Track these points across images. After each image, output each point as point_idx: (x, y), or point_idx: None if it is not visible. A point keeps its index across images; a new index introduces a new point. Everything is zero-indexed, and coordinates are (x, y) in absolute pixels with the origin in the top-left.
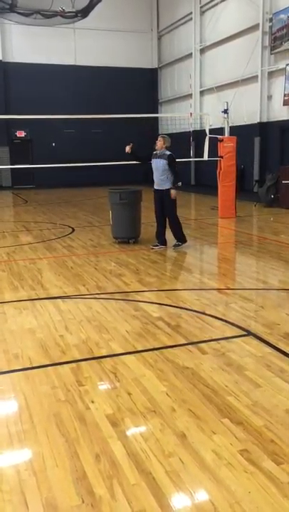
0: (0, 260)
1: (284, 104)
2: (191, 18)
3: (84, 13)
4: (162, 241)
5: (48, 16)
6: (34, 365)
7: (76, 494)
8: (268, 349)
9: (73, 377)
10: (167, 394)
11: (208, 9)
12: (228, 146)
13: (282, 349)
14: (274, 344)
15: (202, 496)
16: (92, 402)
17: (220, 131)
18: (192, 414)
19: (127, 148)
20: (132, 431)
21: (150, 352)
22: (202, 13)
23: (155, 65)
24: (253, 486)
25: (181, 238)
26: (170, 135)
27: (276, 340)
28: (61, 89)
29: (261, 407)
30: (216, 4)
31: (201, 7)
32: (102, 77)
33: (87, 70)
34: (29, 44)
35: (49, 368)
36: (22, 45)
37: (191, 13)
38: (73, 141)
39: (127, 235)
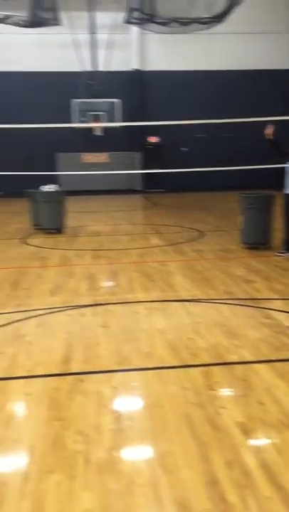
0: (132, 261)
1: None
2: None
3: (220, 18)
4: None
5: (185, 23)
6: (165, 365)
7: (207, 498)
8: None
9: (203, 380)
10: None
11: None
12: None
13: None
14: None
15: None
16: (223, 408)
17: None
18: None
19: (268, 130)
20: (265, 442)
21: (283, 362)
22: None
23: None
24: None
25: None
26: None
27: None
28: (193, 95)
29: None
30: None
31: None
32: (233, 81)
33: (218, 74)
34: (163, 52)
35: (179, 369)
36: (157, 53)
37: None
38: (204, 146)
39: (258, 241)
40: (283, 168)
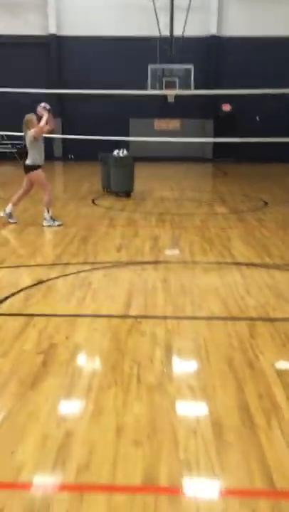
0: (195, 226)
1: None
2: None
3: None
4: None
5: None
6: (215, 315)
7: (239, 418)
8: None
9: (248, 331)
10: None
11: None
12: None
13: None
14: None
15: None
16: (262, 353)
17: None
18: None
19: None
20: None
21: None
22: None
23: None
24: None
25: None
26: None
27: None
28: (270, 62)
29: None
30: None
31: None
32: None
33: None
34: (241, 17)
35: (228, 321)
36: (235, 19)
37: None
38: (277, 116)
39: None
40: None
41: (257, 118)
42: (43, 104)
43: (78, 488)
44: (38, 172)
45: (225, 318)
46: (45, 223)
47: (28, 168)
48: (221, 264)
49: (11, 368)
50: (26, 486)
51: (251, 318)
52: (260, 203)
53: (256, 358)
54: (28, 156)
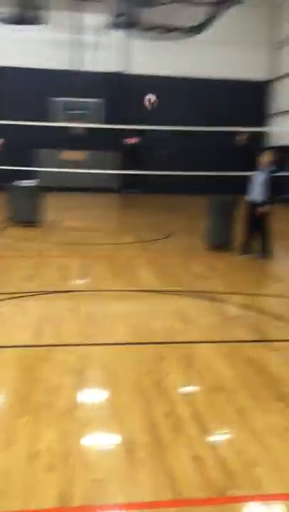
0: (103, 255)
1: None
2: None
3: (198, 30)
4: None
5: (167, 31)
6: (124, 341)
7: (148, 437)
8: None
9: (155, 355)
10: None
11: None
12: None
13: None
14: None
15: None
16: (169, 374)
17: None
18: (250, 395)
19: (240, 137)
20: (198, 398)
21: (224, 343)
22: None
23: (267, 77)
24: None
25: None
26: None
27: None
28: (172, 101)
29: None
30: None
31: None
32: (213, 89)
33: (198, 82)
34: (147, 56)
35: (136, 346)
36: (141, 57)
37: None
38: (181, 150)
39: (220, 243)
40: (250, 176)
41: (160, 152)
42: None
43: None
44: None
45: (133, 344)
46: None
47: None
48: (129, 292)
49: None
50: None
51: (158, 342)
52: (164, 232)
53: (162, 379)
54: None
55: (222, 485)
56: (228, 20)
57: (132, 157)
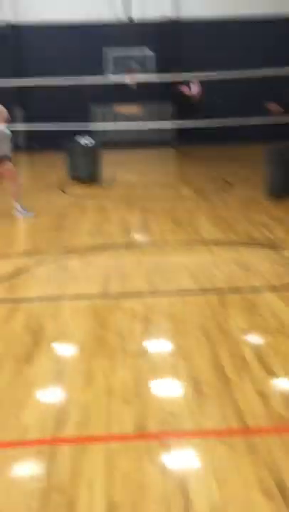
0: (162, 208)
1: None
2: None
3: None
4: None
5: None
6: (188, 288)
7: (213, 375)
8: None
9: (218, 301)
10: None
11: None
12: None
13: None
14: None
15: None
16: (231, 318)
17: None
18: None
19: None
20: (260, 341)
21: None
22: None
23: None
24: None
25: None
26: None
27: None
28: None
29: None
30: None
31: None
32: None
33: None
34: None
35: (199, 294)
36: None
37: None
38: (238, 98)
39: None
40: None
41: (217, 101)
42: None
43: (79, 441)
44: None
45: (197, 291)
46: (18, 215)
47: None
48: (190, 243)
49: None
50: (33, 443)
51: (221, 289)
52: (223, 183)
53: (225, 322)
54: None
55: (287, 418)
56: None
57: (188, 107)
